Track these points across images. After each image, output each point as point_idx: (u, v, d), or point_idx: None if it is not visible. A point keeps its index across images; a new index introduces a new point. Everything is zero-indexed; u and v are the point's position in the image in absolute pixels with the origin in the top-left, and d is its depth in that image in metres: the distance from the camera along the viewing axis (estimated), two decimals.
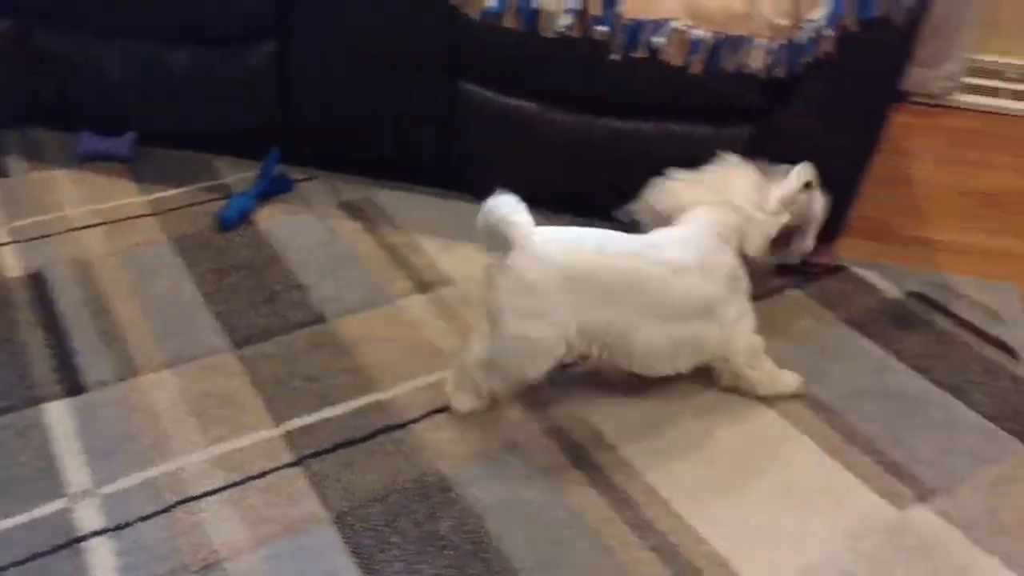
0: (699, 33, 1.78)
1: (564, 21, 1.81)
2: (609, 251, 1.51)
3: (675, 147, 1.91)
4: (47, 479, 1.41)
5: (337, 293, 1.83)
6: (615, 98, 1.93)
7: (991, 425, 1.65)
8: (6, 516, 1.34)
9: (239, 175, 2.17)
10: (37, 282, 1.81)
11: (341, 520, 1.38)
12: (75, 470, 1.43)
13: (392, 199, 2.13)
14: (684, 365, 1.61)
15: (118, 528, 1.34)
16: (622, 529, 1.40)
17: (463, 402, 1.57)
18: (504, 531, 1.38)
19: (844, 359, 1.77)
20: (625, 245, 1.54)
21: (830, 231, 1.99)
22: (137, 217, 2.02)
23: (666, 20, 1.78)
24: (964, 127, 2.75)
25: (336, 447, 1.50)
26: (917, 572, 1.38)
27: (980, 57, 2.79)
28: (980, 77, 2.82)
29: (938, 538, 1.43)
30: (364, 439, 1.52)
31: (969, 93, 2.84)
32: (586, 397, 1.63)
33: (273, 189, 2.10)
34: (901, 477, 1.53)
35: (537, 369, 1.50)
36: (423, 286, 1.87)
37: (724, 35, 1.78)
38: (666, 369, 1.60)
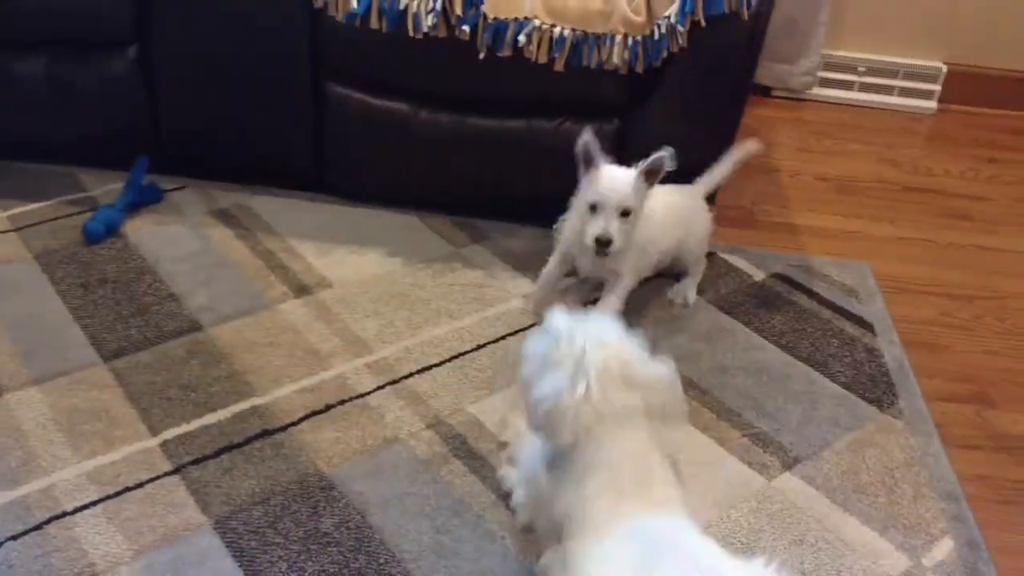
0: (560, 31, 1.84)
1: (429, 22, 1.83)
2: None
3: (545, 143, 1.96)
4: None
5: (212, 302, 1.81)
6: (484, 97, 1.96)
7: (849, 394, 1.75)
8: None
9: (105, 187, 2.11)
10: None
11: (222, 525, 1.36)
12: None
13: (265, 205, 2.11)
14: None
15: None
16: (505, 514, 1.43)
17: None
18: (388, 524, 1.39)
19: (712, 340, 1.85)
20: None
21: None
22: None
23: (528, 19, 1.83)
24: (822, 119, 2.91)
25: (215, 453, 1.48)
26: (785, 535, 1.45)
27: (834, 53, 2.95)
28: (835, 72, 2.98)
29: (802, 502, 1.51)
30: (243, 444, 1.50)
31: (826, 87, 3.00)
32: (463, 390, 1.66)
33: (142, 199, 2.06)
34: (767, 447, 1.61)
35: None
36: (300, 290, 1.86)
37: (584, 33, 1.84)
38: None
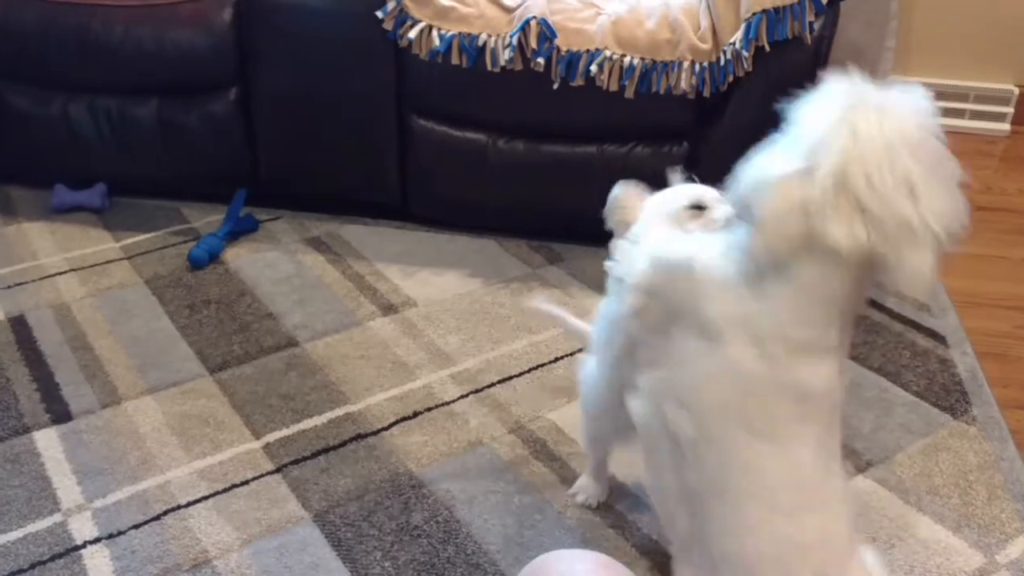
0: (630, 60, 1.94)
1: (505, 56, 1.95)
2: None
3: (616, 167, 2.05)
4: (41, 498, 1.49)
5: (307, 320, 1.94)
6: (557, 125, 2.07)
7: (922, 402, 1.78)
8: (5, 532, 1.42)
9: (207, 219, 2.28)
10: (19, 325, 1.90)
11: (321, 518, 1.47)
12: (67, 489, 1.51)
13: (355, 233, 2.25)
14: None
15: (111, 536, 1.42)
16: (583, 511, 1.50)
17: None
18: (474, 519, 1.48)
19: None
20: None
21: None
22: (110, 262, 2.12)
23: (599, 50, 1.94)
24: None
25: (313, 455, 1.59)
26: (859, 533, 1.49)
27: (902, 78, 2.98)
28: None
29: (876, 502, 1.55)
30: (339, 446, 1.61)
31: None
32: (543, 398, 1.74)
33: (240, 229, 2.22)
34: (841, 452, 1.65)
35: None
36: (388, 309, 1.98)
37: (652, 60, 1.93)
38: None
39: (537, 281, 2.08)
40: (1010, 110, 2.96)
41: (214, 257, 2.13)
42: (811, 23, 1.85)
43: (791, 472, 0.94)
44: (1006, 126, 2.98)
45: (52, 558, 1.38)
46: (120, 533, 1.43)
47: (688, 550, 0.96)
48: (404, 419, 1.68)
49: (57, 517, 1.46)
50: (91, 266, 2.10)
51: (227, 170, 2.28)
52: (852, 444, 1.67)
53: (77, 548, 1.40)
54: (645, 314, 1.04)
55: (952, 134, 3.03)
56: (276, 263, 2.13)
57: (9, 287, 2.02)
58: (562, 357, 1.86)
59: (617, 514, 1.50)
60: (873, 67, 2.90)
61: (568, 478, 1.56)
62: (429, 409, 1.71)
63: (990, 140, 2.96)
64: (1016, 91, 2.94)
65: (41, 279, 2.05)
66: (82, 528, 1.44)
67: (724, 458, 0.96)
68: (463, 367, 1.82)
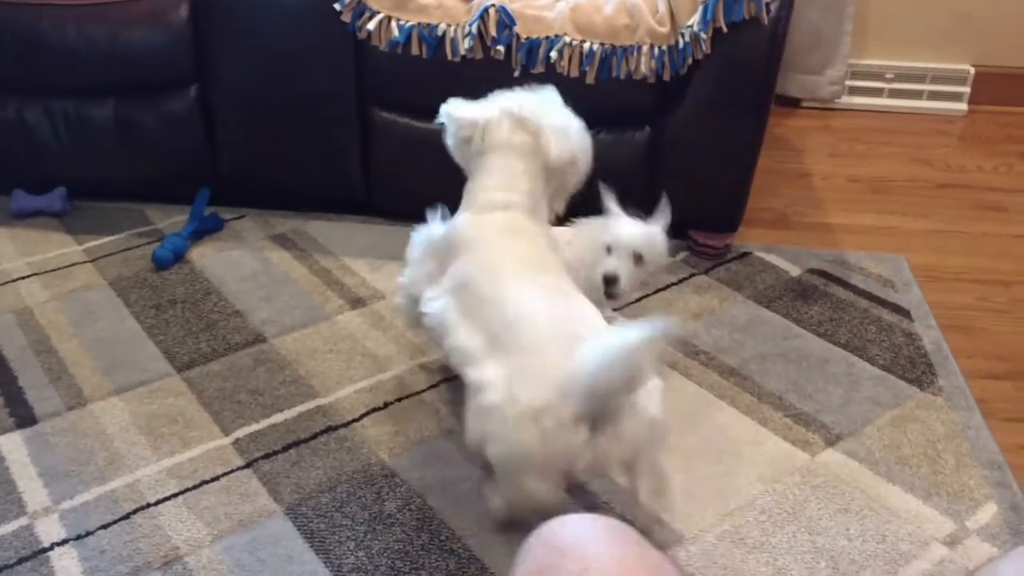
0: (590, 46, 1.95)
1: (465, 45, 1.95)
2: None
3: None
4: (6, 503, 1.46)
5: (275, 316, 1.93)
6: None
7: (888, 375, 1.80)
8: None
9: (171, 219, 2.26)
10: None
11: (293, 511, 1.46)
12: (33, 492, 1.49)
13: (320, 229, 2.24)
14: None
15: (79, 537, 1.40)
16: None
17: None
18: (447, 505, 1.47)
19: (751, 330, 1.91)
20: None
21: (729, 221, 2.16)
22: (73, 265, 2.09)
23: (558, 36, 1.94)
24: (852, 125, 2.97)
25: (284, 448, 1.58)
26: (830, 504, 1.50)
27: (860, 61, 3.02)
28: (863, 80, 3.05)
29: (846, 474, 1.56)
30: (309, 439, 1.60)
31: (855, 95, 3.07)
32: None
33: (204, 228, 2.20)
34: (809, 426, 1.67)
35: None
36: (356, 302, 1.97)
37: (612, 46, 1.94)
38: None
39: None
40: (966, 90, 3.01)
41: (179, 257, 2.11)
42: (767, 4, 1.86)
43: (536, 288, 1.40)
44: (963, 105, 3.02)
45: (19, 561, 1.36)
46: (88, 534, 1.41)
47: (486, 358, 1.34)
48: (375, 410, 1.67)
49: (23, 520, 1.43)
50: (54, 270, 2.07)
51: (189, 169, 2.26)
52: (821, 418, 1.68)
53: (45, 550, 1.38)
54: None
55: (911, 114, 3.09)
56: (242, 261, 2.11)
57: None
58: None
59: (591, 495, 1.50)
60: (831, 50, 2.93)
61: None
62: (399, 399, 1.70)
63: (948, 120, 3.00)
64: (972, 71, 2.98)
65: (2, 284, 2.02)
66: (49, 530, 1.42)
67: (499, 293, 1.40)
68: (433, 357, 1.81)
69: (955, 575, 1.38)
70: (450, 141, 1.63)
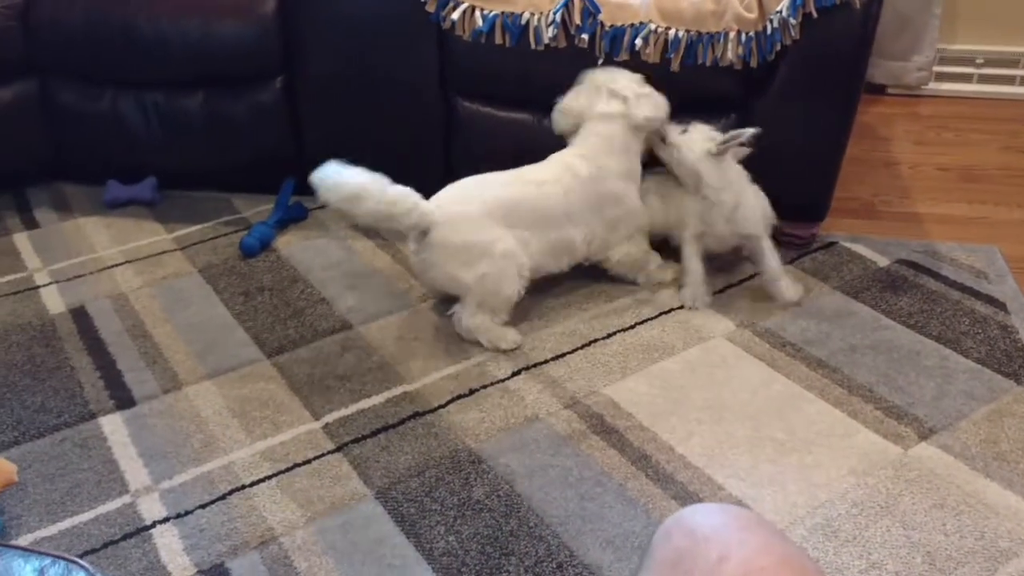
0: (675, 33, 1.93)
1: (549, 33, 1.95)
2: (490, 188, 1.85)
3: None
4: (110, 481, 1.52)
5: (360, 303, 1.96)
6: None
7: (984, 369, 1.75)
8: (76, 513, 1.45)
9: (257, 208, 2.31)
10: (79, 316, 1.93)
11: (383, 495, 1.48)
12: (135, 471, 1.54)
13: None
14: (564, 264, 1.92)
15: (179, 516, 1.45)
16: (645, 483, 1.50)
17: (510, 339, 1.83)
18: (535, 492, 1.48)
19: (839, 322, 1.88)
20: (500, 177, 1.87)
21: (815, 211, 2.12)
22: (164, 253, 2.15)
23: (643, 23, 1.93)
24: (940, 112, 2.89)
25: (372, 433, 1.61)
26: (924, 499, 1.47)
27: (949, 47, 2.94)
28: (951, 65, 2.96)
29: (941, 469, 1.53)
30: (397, 424, 1.63)
31: (943, 81, 2.98)
32: (597, 374, 1.74)
33: (289, 217, 2.24)
34: (902, 419, 1.63)
35: (510, 290, 1.81)
36: None
37: (697, 32, 1.92)
38: (551, 268, 1.90)
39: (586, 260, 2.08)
40: None
41: (265, 245, 2.15)
42: None
43: None
44: None
45: (124, 537, 1.41)
46: (188, 513, 1.45)
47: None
48: (460, 397, 1.69)
49: (126, 498, 1.48)
50: (146, 257, 2.13)
51: (274, 159, 2.31)
52: (913, 411, 1.65)
53: (147, 528, 1.43)
54: None
55: (1002, 101, 3.00)
56: (326, 249, 2.15)
57: (69, 279, 2.05)
58: (614, 333, 1.85)
59: (679, 485, 1.50)
60: (919, 35, 2.85)
61: (627, 451, 1.56)
62: (484, 387, 1.71)
63: None
64: None
65: (99, 271, 2.08)
66: (151, 508, 1.46)
67: None
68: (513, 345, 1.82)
69: None
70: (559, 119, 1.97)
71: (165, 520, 1.44)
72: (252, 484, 1.51)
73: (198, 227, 2.26)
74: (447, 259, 1.78)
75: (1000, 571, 1.35)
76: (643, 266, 1.99)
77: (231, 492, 1.49)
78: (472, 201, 1.81)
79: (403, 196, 1.73)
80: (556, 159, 1.91)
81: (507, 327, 1.83)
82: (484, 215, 1.79)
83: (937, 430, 1.61)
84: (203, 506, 1.47)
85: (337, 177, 1.71)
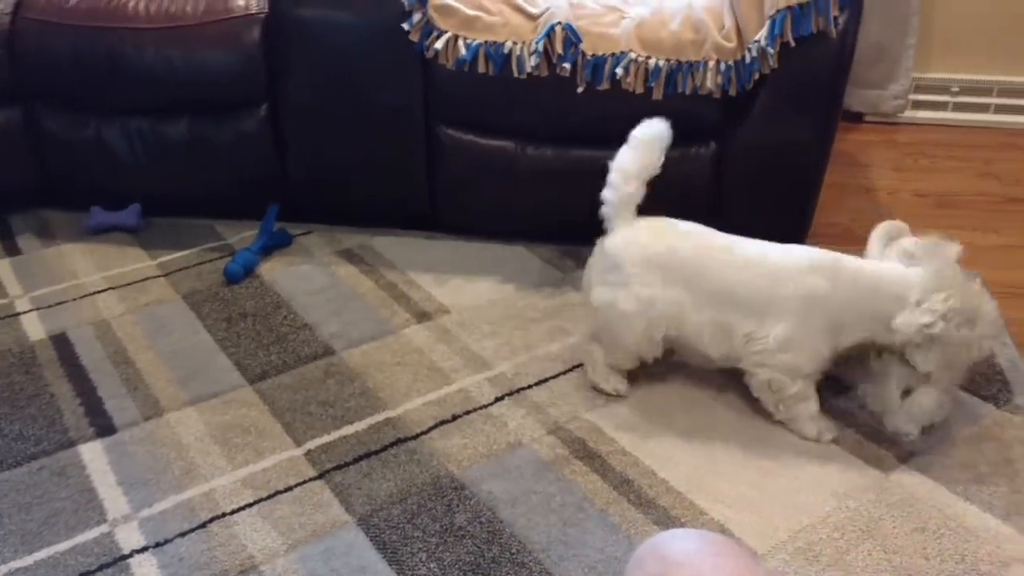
0: (655, 62, 1.95)
1: (532, 62, 1.97)
2: (689, 239, 1.69)
3: None
4: (88, 510, 1.51)
5: (343, 329, 1.96)
6: (585, 130, 2.08)
7: (965, 393, 1.76)
8: (53, 543, 1.44)
9: (241, 235, 2.31)
10: (60, 342, 1.92)
11: (365, 522, 1.48)
12: (113, 500, 1.53)
13: (386, 244, 2.27)
14: (719, 351, 1.67)
15: (159, 545, 1.44)
16: (627, 508, 1.50)
17: (611, 384, 1.75)
18: (517, 518, 1.48)
19: None
20: (707, 235, 1.70)
21: (795, 237, 2.14)
22: (147, 279, 2.15)
23: (624, 53, 1.95)
24: (917, 140, 2.93)
25: (355, 460, 1.60)
26: (905, 523, 1.48)
27: (924, 75, 2.98)
28: (927, 94, 3.01)
29: (922, 492, 1.54)
30: (380, 451, 1.62)
31: (919, 109, 3.03)
32: (580, 399, 1.75)
33: (274, 243, 2.24)
34: (882, 443, 1.64)
35: (628, 339, 1.68)
36: (422, 316, 1.99)
37: (677, 61, 1.94)
38: (706, 350, 1.68)
39: (569, 285, 2.09)
40: None
41: (249, 271, 2.15)
42: (835, 17, 1.85)
43: None
44: None
45: (100, 567, 1.40)
46: (167, 541, 1.44)
47: None
48: (443, 423, 1.69)
49: (104, 527, 1.47)
50: (129, 284, 2.13)
51: (258, 186, 2.31)
52: (892, 436, 1.65)
53: (125, 557, 1.42)
54: None
55: (977, 128, 3.03)
56: (310, 275, 2.15)
57: (51, 306, 2.05)
58: None
59: (661, 510, 1.50)
60: (895, 64, 2.90)
61: (609, 476, 1.56)
62: (467, 412, 1.71)
63: (1016, 133, 2.94)
64: None
65: (81, 297, 2.08)
66: (129, 537, 1.45)
67: None
68: (499, 371, 1.82)
69: None
70: None
71: (144, 549, 1.43)
72: (233, 512, 1.50)
73: (182, 253, 2.25)
74: None
75: None
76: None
77: (211, 520, 1.48)
78: None
79: None
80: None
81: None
82: None
83: (917, 454, 1.62)
84: (183, 534, 1.45)
85: None
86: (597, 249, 1.73)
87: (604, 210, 1.71)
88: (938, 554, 1.42)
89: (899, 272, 1.61)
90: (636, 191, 1.69)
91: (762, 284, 1.62)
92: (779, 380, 1.64)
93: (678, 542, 0.78)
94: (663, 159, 1.68)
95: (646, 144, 1.67)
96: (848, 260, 1.64)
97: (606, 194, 1.70)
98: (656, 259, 1.66)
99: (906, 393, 1.63)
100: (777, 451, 1.63)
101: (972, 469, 1.58)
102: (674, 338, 1.70)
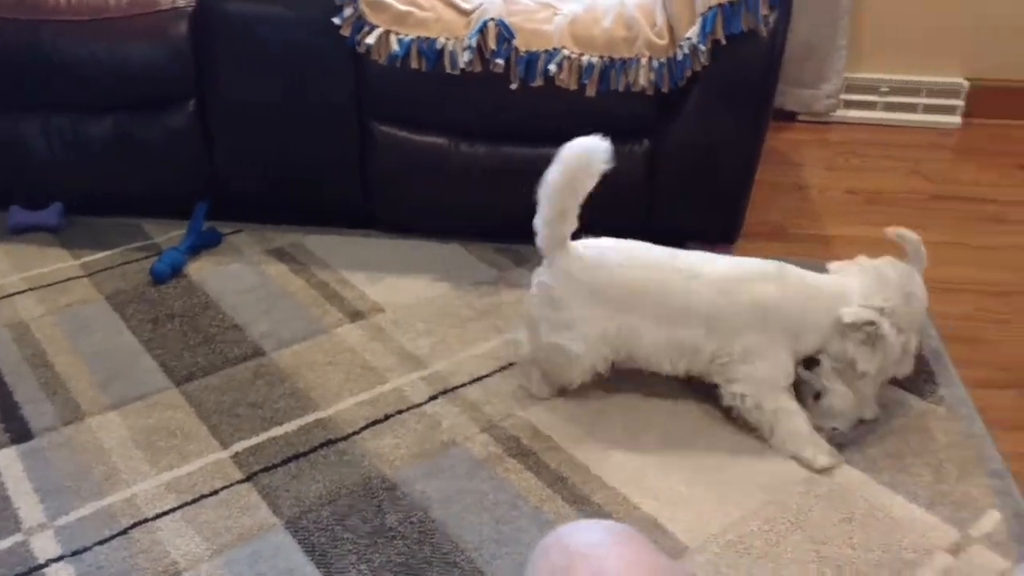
0: (588, 59, 1.95)
1: (464, 58, 1.95)
2: (630, 261, 1.63)
3: None
4: (2, 519, 1.45)
5: (273, 329, 1.92)
6: (518, 126, 2.07)
7: (889, 385, 1.79)
8: None
9: (168, 234, 2.25)
10: None
11: (293, 524, 1.45)
12: (29, 508, 1.47)
13: (319, 243, 2.23)
14: (680, 368, 1.66)
15: (76, 553, 1.39)
16: (560, 504, 1.49)
17: (542, 390, 1.72)
18: (449, 518, 1.46)
19: None
20: (647, 253, 1.65)
21: (727, 233, 2.16)
22: (69, 280, 2.08)
23: (556, 49, 1.95)
24: (848, 139, 2.98)
25: (283, 462, 1.57)
26: (833, 514, 1.50)
27: (855, 75, 3.04)
28: (858, 93, 3.07)
29: (849, 483, 1.56)
30: (309, 452, 1.59)
31: (850, 108, 3.08)
32: (515, 397, 1.73)
33: (202, 243, 2.19)
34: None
35: (574, 375, 1.66)
36: (355, 315, 1.96)
37: (610, 58, 1.95)
38: (665, 369, 1.66)
39: (504, 283, 2.08)
40: (961, 103, 3.02)
41: (177, 271, 2.10)
42: (765, 16, 1.87)
43: None
44: (957, 119, 3.03)
45: None
46: (85, 550, 1.39)
47: None
48: (375, 423, 1.66)
49: (18, 537, 1.42)
50: (49, 285, 2.06)
51: (187, 184, 2.26)
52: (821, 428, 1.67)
53: (40, 567, 1.36)
54: None
55: (906, 128, 3.09)
56: (240, 275, 2.10)
57: None
58: None
59: (595, 507, 1.49)
60: (826, 64, 2.94)
61: (543, 474, 1.55)
62: (400, 412, 1.69)
63: (943, 132, 3.01)
64: (966, 84, 3.00)
65: None
66: (45, 546, 1.40)
67: None
68: (433, 369, 1.80)
69: None
70: None
71: (60, 558, 1.38)
72: (155, 517, 1.46)
73: (106, 253, 2.19)
74: None
75: None
76: None
77: (133, 526, 1.44)
78: None
79: None
80: None
81: None
82: None
83: (846, 445, 1.64)
84: (102, 542, 1.41)
85: None
86: (535, 281, 1.65)
87: (537, 241, 1.61)
88: (864, 543, 1.44)
89: (838, 278, 1.66)
90: (570, 219, 1.59)
91: (714, 297, 1.59)
92: (752, 396, 1.61)
93: (582, 533, 0.77)
94: (596, 181, 1.56)
95: (576, 165, 1.54)
96: (790, 267, 1.64)
97: (537, 222, 1.59)
98: (600, 290, 1.60)
99: (817, 396, 1.66)
100: (709, 447, 1.63)
101: (898, 460, 1.61)
102: (625, 359, 1.67)
